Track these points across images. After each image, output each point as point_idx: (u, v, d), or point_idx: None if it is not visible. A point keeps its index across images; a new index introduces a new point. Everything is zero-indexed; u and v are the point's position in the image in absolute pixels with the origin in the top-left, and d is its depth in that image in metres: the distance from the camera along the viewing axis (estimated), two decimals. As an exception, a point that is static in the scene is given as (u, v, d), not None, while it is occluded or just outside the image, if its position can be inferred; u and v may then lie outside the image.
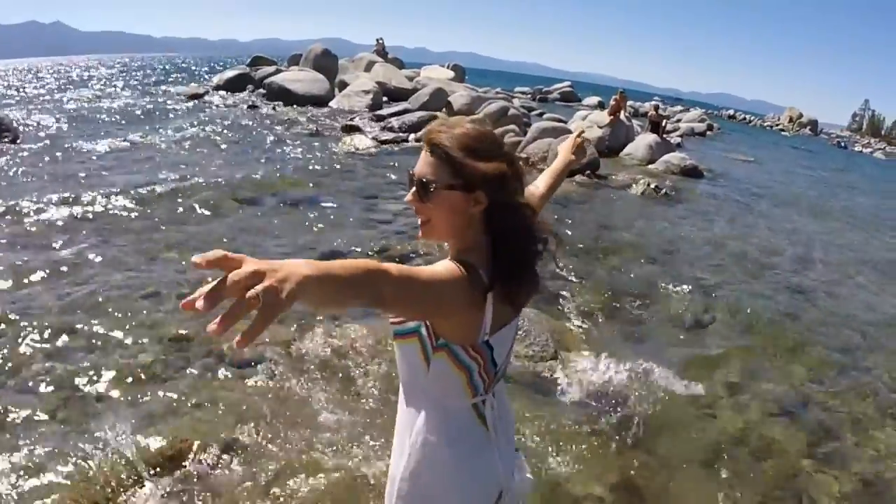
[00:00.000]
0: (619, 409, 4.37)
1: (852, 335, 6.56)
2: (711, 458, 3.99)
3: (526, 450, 3.75)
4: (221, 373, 4.29)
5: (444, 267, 1.42)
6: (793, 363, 5.65)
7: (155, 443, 3.43)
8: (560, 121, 19.15)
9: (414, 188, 1.52)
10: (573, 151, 2.29)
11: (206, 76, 34.84)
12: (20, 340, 4.44)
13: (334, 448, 3.55)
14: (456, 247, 1.55)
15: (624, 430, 4.13)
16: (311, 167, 11.67)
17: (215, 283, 0.87)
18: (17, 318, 4.79)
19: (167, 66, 48.90)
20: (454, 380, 1.58)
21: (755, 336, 6.15)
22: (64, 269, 5.84)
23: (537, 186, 2.08)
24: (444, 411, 1.67)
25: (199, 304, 0.84)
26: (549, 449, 3.79)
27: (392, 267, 1.22)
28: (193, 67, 47.61)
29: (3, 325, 4.65)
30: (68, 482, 3.09)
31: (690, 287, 7.13)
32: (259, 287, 0.87)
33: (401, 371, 1.72)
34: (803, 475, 3.97)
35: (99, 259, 6.14)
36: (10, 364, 4.14)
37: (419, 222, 1.55)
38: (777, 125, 58.66)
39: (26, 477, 3.12)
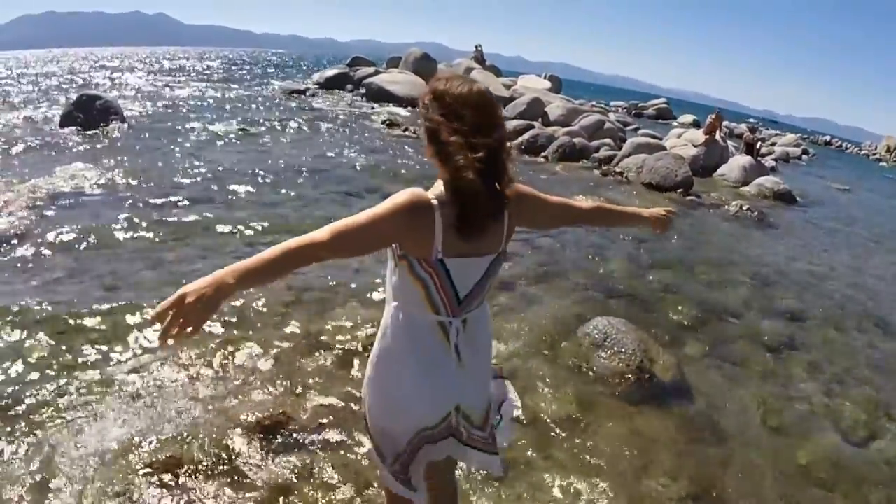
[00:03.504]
0: (698, 422, 4.53)
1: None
2: (783, 482, 4.03)
3: (608, 453, 4.10)
4: (321, 354, 4.67)
5: (394, 200, 1.76)
6: (873, 397, 5.55)
7: (251, 411, 3.81)
8: (656, 137, 19.16)
9: None
10: (656, 220, 2.48)
11: (306, 73, 36.01)
12: (114, 311, 4.96)
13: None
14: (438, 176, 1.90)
15: (701, 441, 4.29)
16: (403, 164, 12.44)
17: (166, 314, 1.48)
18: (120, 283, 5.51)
19: (267, 62, 50.51)
20: (412, 289, 1.88)
21: (839, 368, 6.04)
22: (168, 238, 6.66)
23: (580, 207, 2.29)
24: (411, 317, 1.96)
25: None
26: (628, 452, 3.99)
27: (325, 232, 1.68)
28: (291, 64, 49.04)
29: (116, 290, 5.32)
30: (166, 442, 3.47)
31: (779, 312, 7.20)
32: (184, 308, 1.48)
33: (386, 271, 2.04)
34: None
35: (199, 236, 6.94)
36: (110, 338, 4.62)
37: None
38: (874, 154, 56.26)
39: (137, 431, 3.53)
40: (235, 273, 1.56)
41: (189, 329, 1.48)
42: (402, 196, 1.77)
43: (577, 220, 2.33)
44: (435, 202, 1.79)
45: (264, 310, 5.29)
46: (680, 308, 6.70)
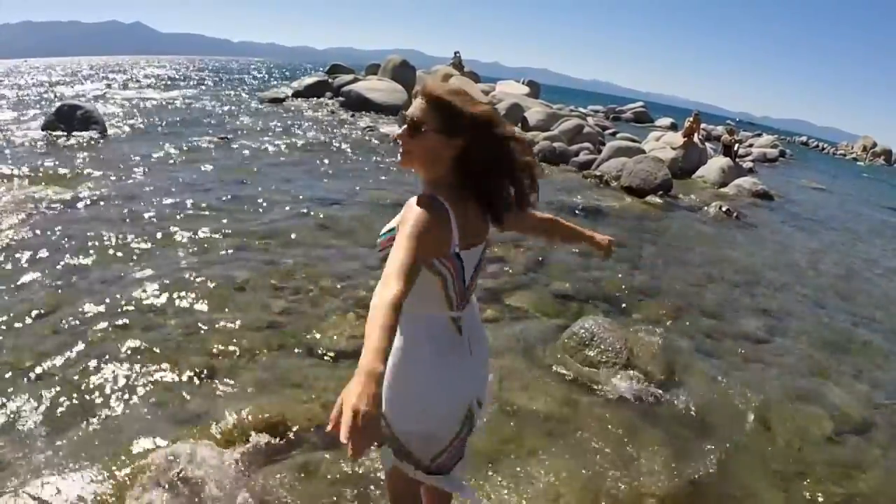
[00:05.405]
0: (683, 416, 4.60)
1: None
2: (764, 473, 4.07)
3: (592, 446, 4.14)
4: (313, 360, 4.70)
5: (421, 219, 1.71)
6: (855, 389, 5.64)
7: (248, 415, 3.80)
8: (634, 140, 19.31)
9: (406, 126, 1.86)
10: (602, 245, 2.53)
11: (285, 81, 35.92)
12: (103, 319, 4.97)
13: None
14: (426, 177, 1.91)
15: (686, 435, 4.35)
16: (382, 173, 12.47)
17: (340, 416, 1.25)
18: (100, 293, 5.47)
19: (245, 70, 50.28)
20: (432, 286, 1.88)
21: (816, 360, 6.14)
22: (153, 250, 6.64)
23: (536, 216, 2.34)
24: (428, 318, 1.97)
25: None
26: (615, 447, 4.03)
27: (395, 282, 1.55)
28: (269, 72, 48.86)
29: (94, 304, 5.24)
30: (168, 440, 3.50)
31: (760, 308, 7.33)
32: (354, 423, 1.22)
33: None
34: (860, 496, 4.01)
35: (187, 244, 6.95)
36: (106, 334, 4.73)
37: (400, 151, 1.89)
38: (851, 153, 56.94)
39: (135, 436, 3.54)
40: (378, 358, 1.38)
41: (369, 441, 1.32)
42: (425, 212, 1.75)
43: (533, 229, 2.41)
44: (446, 203, 1.81)
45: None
46: (663, 307, 6.77)
